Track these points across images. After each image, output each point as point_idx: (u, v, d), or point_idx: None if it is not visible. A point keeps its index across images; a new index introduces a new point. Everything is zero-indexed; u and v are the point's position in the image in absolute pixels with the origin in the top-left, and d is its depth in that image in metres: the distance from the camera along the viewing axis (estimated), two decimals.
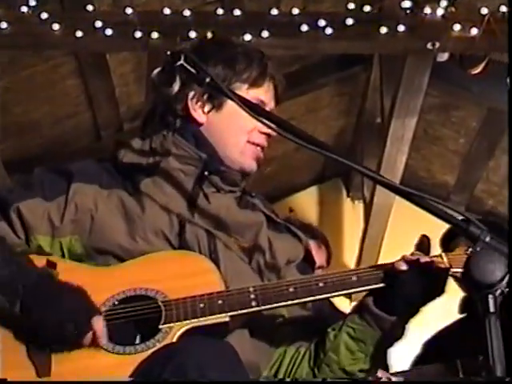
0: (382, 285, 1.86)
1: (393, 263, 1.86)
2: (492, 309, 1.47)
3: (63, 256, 1.88)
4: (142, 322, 1.77)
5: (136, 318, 1.78)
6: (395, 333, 1.92)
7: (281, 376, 2.01)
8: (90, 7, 3.99)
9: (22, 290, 1.70)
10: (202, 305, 1.77)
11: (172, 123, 2.01)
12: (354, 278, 1.85)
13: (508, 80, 4.16)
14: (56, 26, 3.95)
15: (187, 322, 1.76)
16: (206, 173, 1.97)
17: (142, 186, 1.96)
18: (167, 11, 4.03)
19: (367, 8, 4.09)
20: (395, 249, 2.26)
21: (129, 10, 3.99)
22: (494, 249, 1.51)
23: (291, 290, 1.83)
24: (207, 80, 1.80)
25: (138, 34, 3.98)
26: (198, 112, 2.01)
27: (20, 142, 4.99)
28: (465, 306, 2.55)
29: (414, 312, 1.90)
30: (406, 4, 4.06)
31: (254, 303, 1.80)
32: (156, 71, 1.90)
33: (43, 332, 1.70)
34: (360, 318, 1.92)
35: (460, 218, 1.59)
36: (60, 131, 5.09)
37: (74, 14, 4.04)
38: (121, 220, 1.91)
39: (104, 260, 1.88)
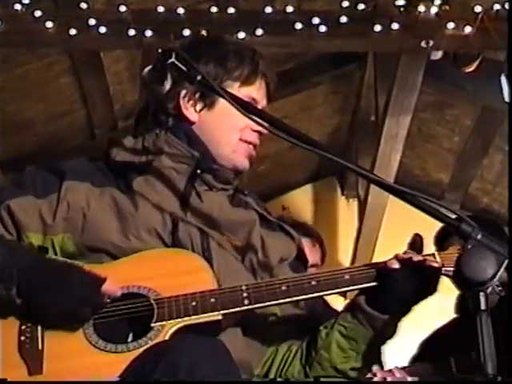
0: (374, 283, 1.86)
1: (385, 262, 1.87)
2: (483, 306, 1.47)
3: (55, 254, 1.87)
4: (135, 320, 1.77)
5: (128, 315, 1.77)
6: (387, 331, 1.92)
7: (272, 374, 2.01)
8: (83, 5, 3.97)
9: (17, 274, 1.69)
10: (194, 303, 1.77)
11: (164, 122, 2.00)
12: (347, 277, 1.85)
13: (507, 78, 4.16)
14: (50, 24, 3.94)
15: (179, 320, 1.75)
16: (198, 171, 1.97)
17: (134, 184, 1.96)
18: (161, 9, 4.02)
19: (361, 6, 4.08)
20: (390, 247, 2.25)
21: (122, 8, 3.98)
22: (486, 246, 1.51)
23: (284, 288, 1.83)
24: (198, 78, 1.79)
25: (132, 32, 3.97)
26: (190, 110, 2.01)
27: (14, 140, 4.97)
28: (461, 305, 2.55)
29: (406, 311, 1.90)
30: (400, 2, 4.06)
31: (246, 301, 1.80)
32: (147, 69, 1.89)
33: (53, 318, 1.70)
34: (352, 317, 1.92)
35: (453, 216, 1.59)
36: (54, 129, 5.09)
37: (68, 11, 4.02)
38: (113, 218, 1.90)
39: (97, 258, 1.87)
